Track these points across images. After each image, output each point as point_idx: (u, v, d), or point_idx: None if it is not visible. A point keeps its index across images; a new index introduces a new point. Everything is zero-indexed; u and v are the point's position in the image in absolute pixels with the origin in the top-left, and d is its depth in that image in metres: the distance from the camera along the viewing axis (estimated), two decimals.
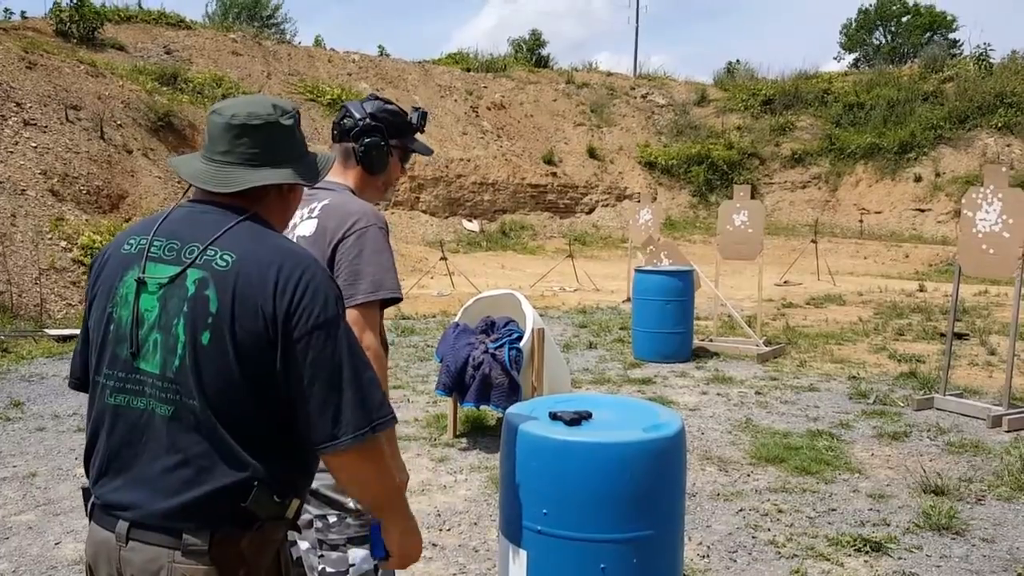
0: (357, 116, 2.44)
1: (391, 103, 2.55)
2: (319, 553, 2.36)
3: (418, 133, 2.59)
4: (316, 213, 2.30)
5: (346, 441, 1.58)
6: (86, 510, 1.68)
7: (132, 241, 1.67)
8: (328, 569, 2.35)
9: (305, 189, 2.00)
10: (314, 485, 2.27)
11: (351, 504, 2.32)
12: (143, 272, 1.61)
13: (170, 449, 1.57)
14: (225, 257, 1.58)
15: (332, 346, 1.58)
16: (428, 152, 2.69)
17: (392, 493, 1.78)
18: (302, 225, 2.30)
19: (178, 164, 1.74)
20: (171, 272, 1.59)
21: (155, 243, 1.63)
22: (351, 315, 2.09)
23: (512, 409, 2.92)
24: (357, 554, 2.35)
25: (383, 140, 2.45)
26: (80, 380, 1.81)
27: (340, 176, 2.45)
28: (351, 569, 2.35)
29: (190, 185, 1.71)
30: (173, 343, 1.56)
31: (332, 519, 2.34)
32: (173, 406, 1.56)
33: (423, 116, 2.59)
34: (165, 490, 1.56)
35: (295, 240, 2.16)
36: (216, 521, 1.56)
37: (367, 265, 2.22)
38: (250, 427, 1.58)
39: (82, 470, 5.07)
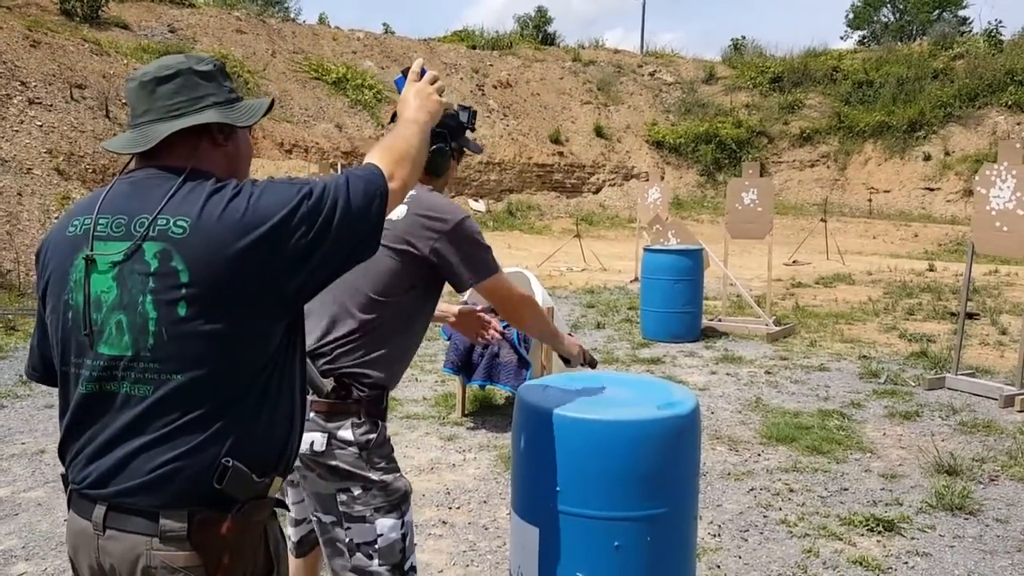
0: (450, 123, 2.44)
1: (448, 106, 2.49)
2: (346, 526, 2.33)
3: (469, 132, 2.56)
4: (412, 200, 2.31)
5: None
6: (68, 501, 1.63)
7: (76, 222, 1.58)
8: (356, 540, 2.33)
9: None
10: (333, 462, 2.27)
11: (374, 476, 2.31)
12: (91, 251, 1.52)
13: (147, 430, 1.50)
14: (180, 223, 1.48)
15: (317, 212, 1.53)
16: (479, 150, 2.71)
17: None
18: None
19: (108, 142, 1.68)
20: (123, 248, 1.50)
21: (100, 220, 1.54)
22: (495, 283, 2.38)
23: (525, 386, 2.89)
24: (384, 523, 2.33)
25: (447, 145, 2.45)
26: (39, 372, 1.74)
27: None
28: (379, 539, 2.33)
29: (129, 160, 1.65)
30: (142, 322, 1.48)
31: (356, 491, 2.31)
32: (152, 385, 1.49)
33: (473, 115, 2.55)
34: (142, 471, 1.49)
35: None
36: (194, 503, 1.50)
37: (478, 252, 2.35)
38: (231, 400, 1.52)
39: None
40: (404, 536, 2.38)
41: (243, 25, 23.46)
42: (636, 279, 12.36)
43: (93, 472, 1.53)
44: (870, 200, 25.19)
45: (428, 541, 3.93)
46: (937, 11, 41.99)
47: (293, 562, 2.66)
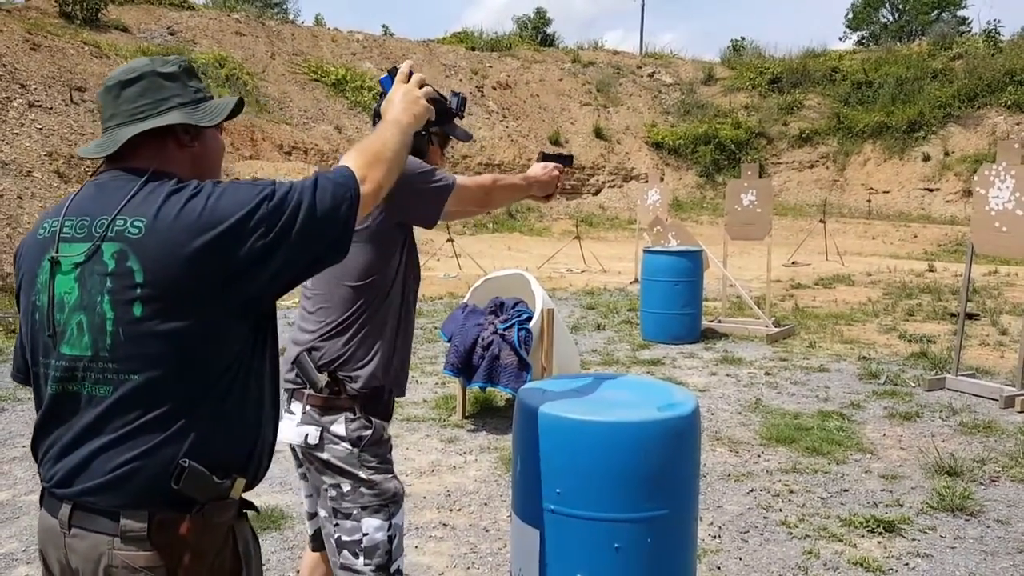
0: None
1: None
2: (334, 522, 2.35)
3: (457, 119, 2.57)
4: None
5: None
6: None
7: (46, 224, 1.60)
8: (344, 538, 2.35)
9: None
10: (325, 456, 2.30)
11: (363, 474, 2.32)
12: (56, 253, 1.54)
13: (107, 430, 1.51)
14: (136, 223, 1.48)
15: (280, 212, 1.51)
16: (468, 138, 2.67)
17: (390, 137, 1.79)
18: None
19: (82, 148, 1.70)
20: (83, 249, 1.51)
21: (66, 223, 1.56)
22: (457, 198, 2.34)
23: (525, 388, 2.89)
24: (370, 523, 2.34)
25: (424, 130, 2.36)
26: (22, 374, 1.75)
27: None
28: (364, 538, 2.34)
29: (100, 164, 1.66)
30: (100, 322, 1.49)
31: (346, 488, 2.33)
32: (111, 385, 1.50)
33: (463, 102, 2.56)
34: (102, 471, 1.50)
35: None
36: (154, 503, 1.50)
37: (426, 179, 2.32)
38: (191, 401, 1.52)
39: None
40: (391, 538, 2.37)
41: (242, 27, 23.48)
42: (636, 280, 12.36)
43: (60, 471, 1.54)
44: (869, 201, 25.21)
45: (429, 543, 3.93)
46: (936, 11, 42.04)
47: (309, 555, 2.71)
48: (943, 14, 41.38)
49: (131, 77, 1.61)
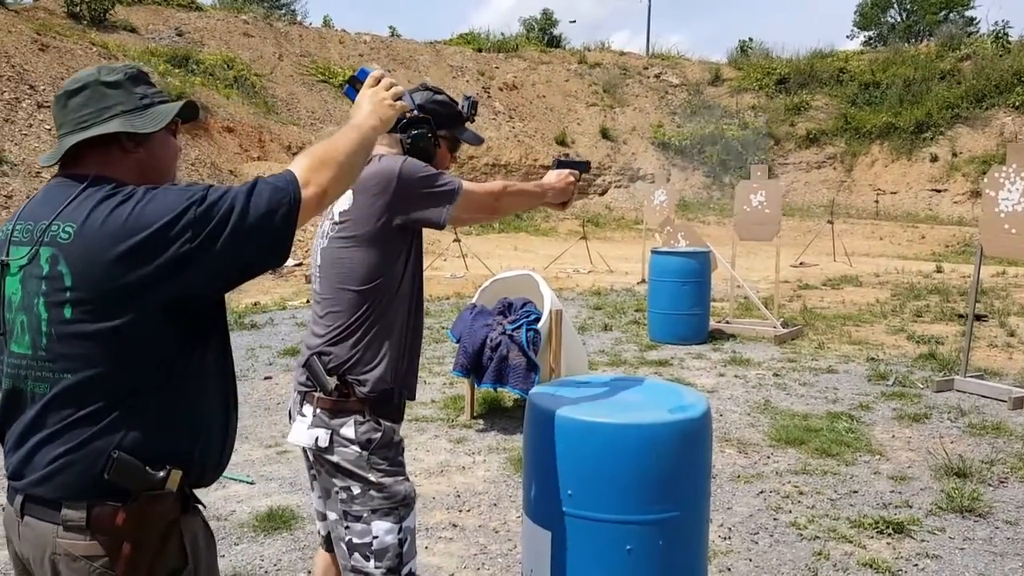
0: (419, 103, 2.45)
1: (441, 92, 2.56)
2: (345, 524, 2.36)
3: (468, 122, 2.58)
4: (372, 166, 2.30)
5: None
6: None
7: (6, 227, 1.66)
8: (354, 540, 2.35)
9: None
10: (335, 459, 2.31)
11: (372, 477, 2.33)
12: (7, 256, 1.61)
13: (46, 425, 1.58)
14: (67, 229, 1.55)
15: (209, 217, 1.53)
16: (479, 142, 2.66)
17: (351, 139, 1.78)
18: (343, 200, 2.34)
19: (41, 156, 1.78)
20: (26, 252, 1.58)
21: (17, 227, 1.62)
22: (464, 204, 2.31)
23: (537, 390, 2.90)
24: (380, 526, 2.34)
25: (430, 132, 2.40)
26: None
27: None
28: (374, 541, 2.34)
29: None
30: (37, 323, 1.57)
31: (356, 491, 2.33)
32: (48, 383, 1.57)
33: (474, 105, 2.57)
34: (42, 464, 1.57)
35: (344, 207, 2.31)
36: (91, 495, 1.56)
37: (432, 182, 2.30)
38: (122, 398, 1.57)
39: None
40: (401, 542, 2.37)
41: (250, 28, 23.54)
42: (643, 281, 12.37)
43: (13, 463, 1.62)
44: (876, 201, 25.16)
45: (438, 544, 3.94)
46: (944, 12, 41.91)
47: (322, 555, 2.71)
48: (951, 15, 41.28)
49: (76, 87, 1.65)
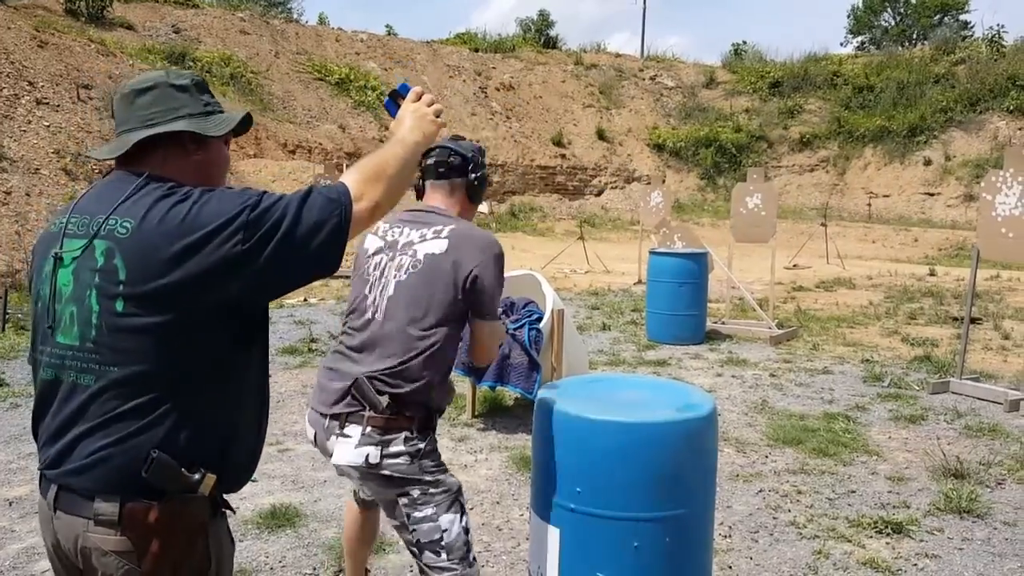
0: (468, 155, 2.74)
1: (472, 144, 2.86)
2: (411, 528, 2.51)
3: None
4: (445, 235, 2.56)
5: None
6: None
7: (58, 221, 1.70)
8: (423, 540, 2.50)
9: (422, 213, 2.59)
10: (387, 472, 2.45)
11: (428, 478, 2.51)
12: (60, 248, 1.64)
13: (88, 417, 1.59)
14: (125, 224, 1.58)
15: (263, 221, 1.58)
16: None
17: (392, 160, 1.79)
18: (431, 243, 2.56)
19: (94, 150, 1.83)
20: (80, 245, 1.61)
21: (71, 219, 1.66)
22: (491, 325, 2.65)
23: (544, 388, 2.94)
24: (447, 519, 2.53)
25: (478, 187, 2.77)
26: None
27: (446, 203, 2.72)
28: (444, 535, 2.51)
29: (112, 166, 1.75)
30: (87, 314, 1.59)
31: (416, 494, 2.49)
32: (94, 375, 1.59)
33: (482, 153, 2.89)
34: (81, 456, 1.59)
35: (422, 256, 2.54)
36: (126, 490, 1.57)
37: (495, 289, 2.61)
38: (166, 396, 1.59)
39: None
40: (466, 529, 2.59)
41: (247, 26, 23.52)
42: (640, 281, 12.42)
43: (50, 454, 1.64)
44: (869, 205, 25.27)
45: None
46: (939, 16, 42.06)
47: (352, 506, 3.01)
48: (945, 18, 41.43)
49: (145, 86, 1.71)
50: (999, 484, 4.74)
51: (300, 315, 9.78)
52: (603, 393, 2.94)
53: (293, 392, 6.52)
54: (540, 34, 34.94)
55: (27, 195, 11.38)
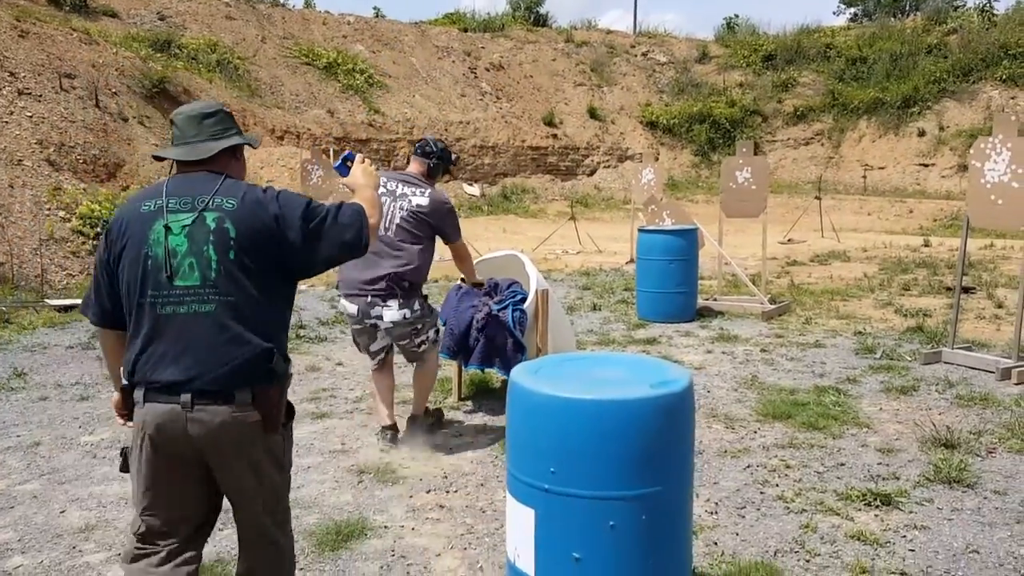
0: (436, 149, 4.92)
1: (441, 142, 5.03)
2: (415, 341, 4.91)
3: (452, 166, 5.26)
4: (428, 194, 4.76)
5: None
6: (127, 404, 2.45)
7: (148, 204, 2.43)
8: (416, 341, 4.88)
9: (404, 178, 4.81)
10: (411, 318, 4.77)
11: (429, 319, 4.95)
12: (167, 221, 2.38)
13: (218, 333, 2.35)
14: (230, 201, 2.42)
15: (317, 220, 2.51)
16: (454, 165, 5.37)
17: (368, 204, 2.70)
18: (417, 198, 4.74)
19: (164, 153, 2.58)
20: (190, 216, 2.39)
21: (170, 201, 2.42)
22: (459, 245, 4.99)
23: (517, 368, 2.87)
24: (431, 334, 4.99)
25: (439, 167, 4.96)
26: (100, 317, 2.54)
27: (419, 171, 4.89)
28: (427, 338, 4.96)
29: (171, 165, 2.58)
30: (207, 262, 2.36)
31: (420, 326, 4.88)
32: (214, 304, 2.35)
33: (454, 160, 5.22)
34: (218, 362, 2.34)
35: (414, 205, 4.71)
36: (255, 379, 2.38)
37: (452, 224, 4.89)
38: (268, 313, 2.45)
39: (87, 437, 4.97)
40: (436, 331, 5.08)
41: (232, 11, 23.28)
42: (632, 260, 12.33)
43: (178, 369, 2.33)
44: (864, 177, 25.15)
45: (425, 525, 3.92)
46: None
47: (379, 373, 5.03)
48: None
49: (210, 111, 2.56)
50: (990, 453, 4.69)
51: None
52: (578, 371, 2.89)
53: None
54: (530, 12, 34.57)
55: (10, 187, 11.26)
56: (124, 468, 2.51)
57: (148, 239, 2.36)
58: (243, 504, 2.51)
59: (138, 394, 2.37)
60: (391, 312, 4.62)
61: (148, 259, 2.36)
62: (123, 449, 2.52)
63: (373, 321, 4.66)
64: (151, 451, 2.39)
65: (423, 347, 4.92)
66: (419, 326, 4.79)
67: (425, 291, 4.92)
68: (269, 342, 2.39)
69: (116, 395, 2.56)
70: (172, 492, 2.44)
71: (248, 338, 2.35)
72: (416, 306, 4.71)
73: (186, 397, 2.30)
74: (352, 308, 4.67)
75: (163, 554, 2.47)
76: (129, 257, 2.39)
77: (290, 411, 2.58)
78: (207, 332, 2.33)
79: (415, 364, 5.01)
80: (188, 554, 2.51)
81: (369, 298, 4.58)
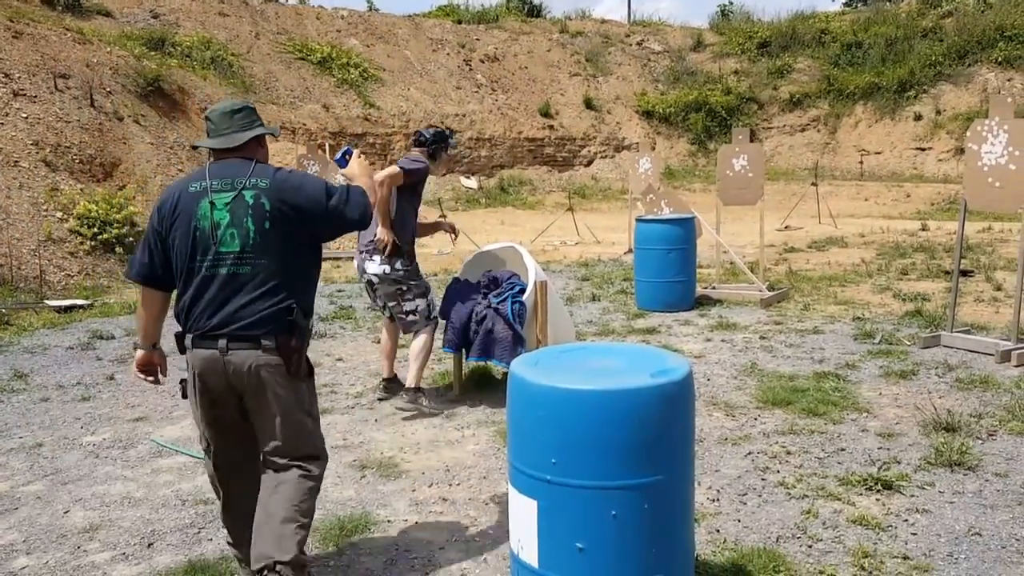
0: (430, 136, 5.46)
1: (438, 128, 5.62)
2: (403, 304, 5.36)
3: (451, 149, 5.61)
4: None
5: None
6: (180, 348, 2.97)
7: (195, 185, 2.95)
8: (407, 308, 5.36)
9: (417, 158, 5.41)
10: (394, 276, 5.27)
11: (413, 281, 5.34)
12: (211, 198, 2.90)
13: (252, 290, 2.87)
14: (263, 181, 2.94)
15: (334, 197, 3.03)
16: (451, 140, 5.64)
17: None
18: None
19: (202, 143, 3.05)
20: (231, 195, 2.91)
21: (213, 183, 2.93)
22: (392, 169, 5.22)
23: (518, 359, 2.88)
24: (418, 302, 5.38)
25: (438, 149, 5.51)
26: (146, 276, 3.03)
27: (424, 156, 5.43)
28: (417, 308, 5.38)
29: (209, 154, 3.14)
30: (246, 232, 2.88)
31: (405, 288, 5.32)
32: (250, 267, 2.88)
33: (451, 142, 5.64)
34: (249, 313, 2.87)
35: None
36: (279, 328, 2.89)
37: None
38: (293, 274, 2.95)
39: (89, 437, 5.01)
40: (429, 304, 5.42)
41: (225, 8, 23.21)
42: (630, 250, 12.33)
43: (217, 319, 2.87)
44: (861, 162, 25.13)
45: (428, 518, 3.93)
46: None
47: (388, 322, 5.68)
48: None
49: (238, 108, 3.05)
50: (990, 435, 4.71)
51: None
52: (577, 362, 2.89)
53: None
54: (524, 3, 34.47)
55: (7, 188, 11.25)
56: (184, 395, 3.06)
57: (196, 214, 2.90)
58: (265, 439, 2.98)
59: (188, 340, 2.93)
60: (373, 265, 5.23)
61: (197, 231, 2.89)
62: (182, 380, 3.06)
63: (368, 277, 5.31)
64: (201, 384, 2.94)
65: (411, 318, 5.35)
66: (403, 287, 5.27)
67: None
68: (292, 298, 2.90)
69: (141, 352, 3.14)
70: (222, 416, 3.00)
71: (275, 294, 2.88)
72: (398, 265, 5.22)
73: (222, 343, 2.85)
74: (356, 265, 5.45)
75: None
76: (180, 229, 2.92)
77: (310, 367, 3.04)
78: (243, 289, 2.86)
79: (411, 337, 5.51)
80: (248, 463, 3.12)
81: (363, 254, 5.29)
